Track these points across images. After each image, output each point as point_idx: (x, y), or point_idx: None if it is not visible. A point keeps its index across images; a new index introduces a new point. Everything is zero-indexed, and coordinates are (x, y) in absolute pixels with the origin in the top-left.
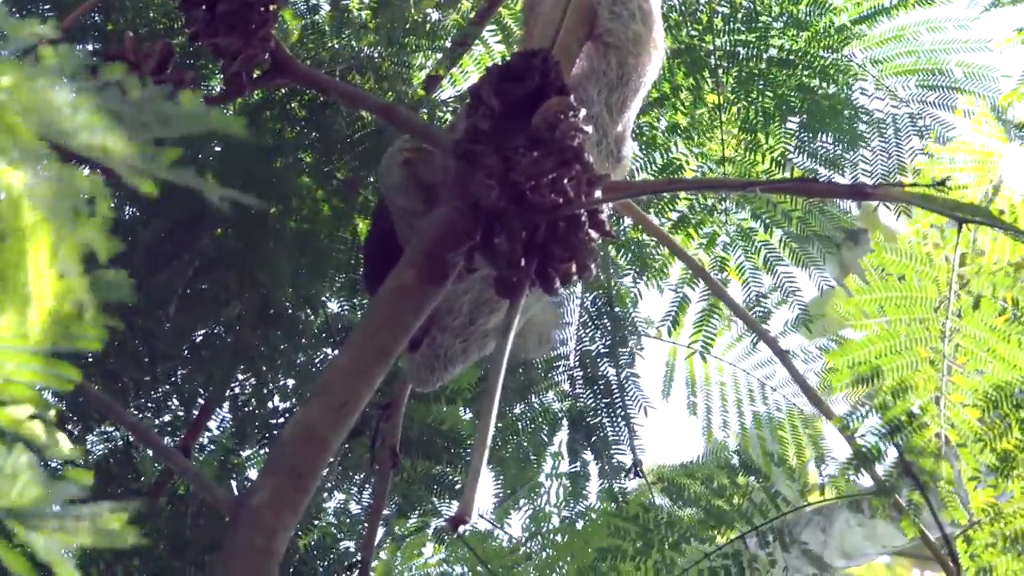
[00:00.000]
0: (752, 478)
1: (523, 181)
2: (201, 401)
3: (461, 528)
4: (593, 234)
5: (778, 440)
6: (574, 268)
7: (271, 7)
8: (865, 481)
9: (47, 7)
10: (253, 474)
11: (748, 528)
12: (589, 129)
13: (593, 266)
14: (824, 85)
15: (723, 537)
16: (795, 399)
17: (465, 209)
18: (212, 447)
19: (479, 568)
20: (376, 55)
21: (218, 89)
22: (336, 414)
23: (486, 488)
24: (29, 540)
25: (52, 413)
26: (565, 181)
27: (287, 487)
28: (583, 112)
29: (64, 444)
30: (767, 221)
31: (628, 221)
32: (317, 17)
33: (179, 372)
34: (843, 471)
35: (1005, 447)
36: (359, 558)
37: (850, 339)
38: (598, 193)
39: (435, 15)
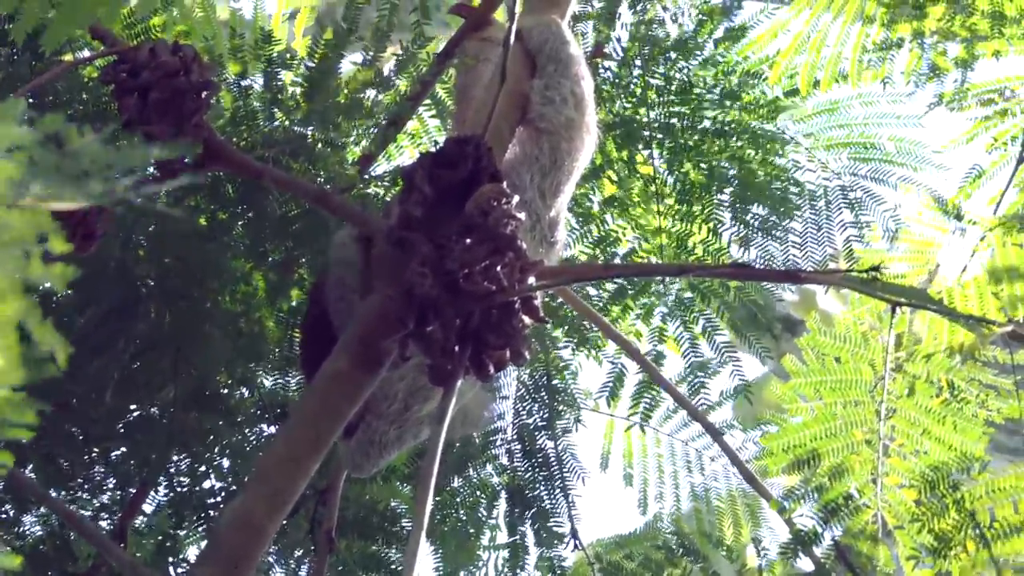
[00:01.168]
0: (690, 559)
1: (456, 269)
2: (137, 482)
3: None
4: (527, 320)
5: (717, 515)
6: (508, 355)
7: (203, 94)
8: (804, 565)
9: None
10: (192, 552)
11: None
12: (522, 216)
13: (527, 352)
14: (757, 155)
15: None
16: (732, 471)
17: (399, 296)
18: (149, 528)
19: None
20: (309, 135)
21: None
22: (272, 502)
23: (426, 564)
24: None
25: None
26: (498, 268)
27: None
28: (516, 199)
29: None
30: (704, 291)
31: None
32: (249, 98)
33: (114, 453)
34: (781, 554)
35: (943, 527)
36: None
37: (785, 422)
38: (531, 280)
39: (370, 94)
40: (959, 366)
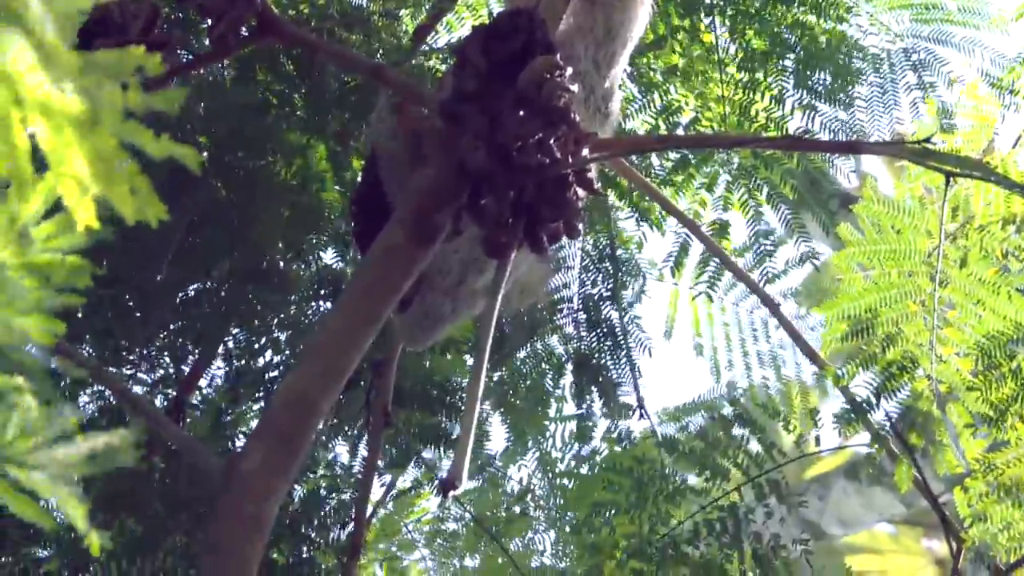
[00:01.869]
0: (747, 429)
1: (510, 141)
2: (194, 357)
3: (451, 493)
4: (581, 192)
5: (786, 384)
6: (562, 227)
7: None
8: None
9: None
10: (251, 425)
11: (744, 480)
12: (575, 88)
13: (580, 225)
14: (820, 21)
15: (718, 490)
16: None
17: (452, 170)
18: (205, 405)
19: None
20: (364, 6)
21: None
22: (325, 377)
23: (495, 433)
24: (33, 482)
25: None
26: (551, 141)
27: (277, 453)
28: (569, 71)
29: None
30: (767, 159)
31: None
32: None
33: (171, 328)
34: (837, 422)
35: (999, 396)
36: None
37: (842, 291)
38: (585, 152)
39: None
40: (1014, 236)
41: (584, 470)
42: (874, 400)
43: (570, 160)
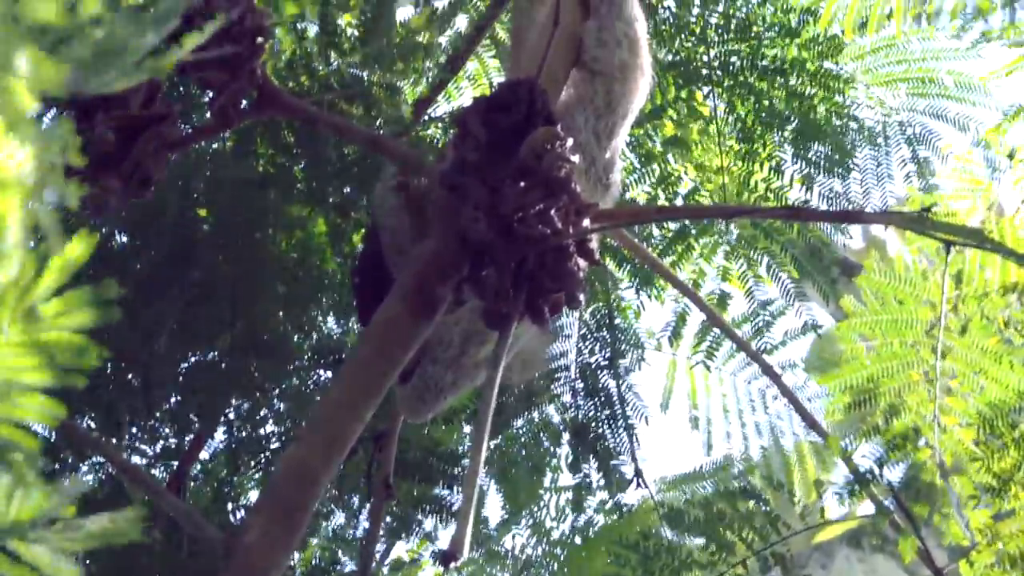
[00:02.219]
0: (752, 502)
1: (511, 212)
2: (194, 429)
3: (452, 564)
4: (582, 263)
5: (780, 456)
6: (563, 298)
7: (258, 40)
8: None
9: None
10: (252, 498)
11: (749, 553)
12: (576, 159)
13: (582, 295)
14: (817, 93)
15: (724, 563)
16: (792, 413)
17: (453, 242)
18: (206, 476)
19: None
20: (365, 78)
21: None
22: (327, 449)
23: (490, 503)
24: (33, 555)
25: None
26: (552, 212)
27: (278, 525)
28: (570, 141)
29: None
30: (767, 229)
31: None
32: (305, 42)
33: (172, 401)
34: (841, 494)
35: (1002, 467)
36: None
37: (844, 362)
38: (586, 223)
39: (426, 36)
40: (1015, 304)
41: (579, 540)
42: (877, 471)
43: (571, 231)
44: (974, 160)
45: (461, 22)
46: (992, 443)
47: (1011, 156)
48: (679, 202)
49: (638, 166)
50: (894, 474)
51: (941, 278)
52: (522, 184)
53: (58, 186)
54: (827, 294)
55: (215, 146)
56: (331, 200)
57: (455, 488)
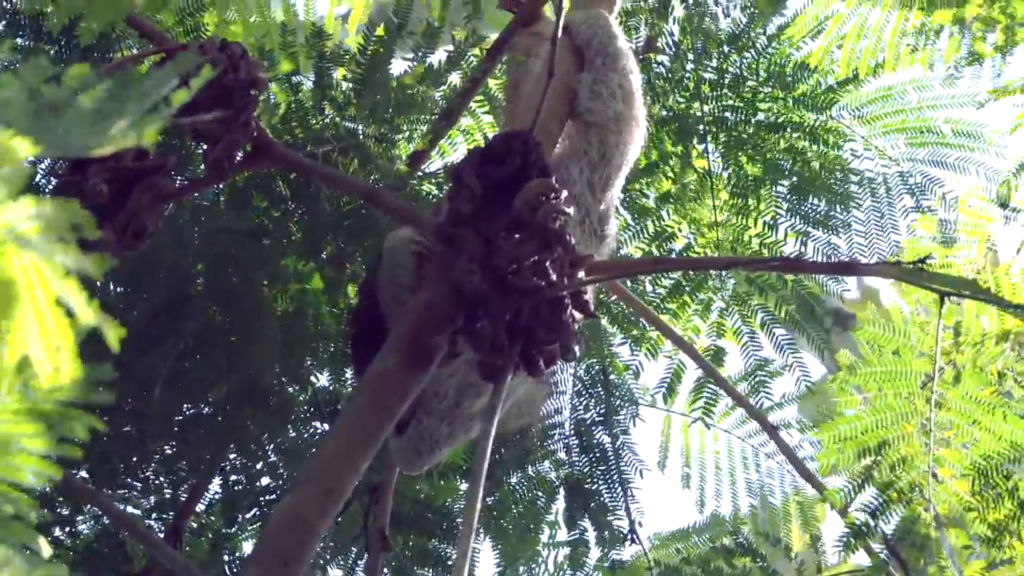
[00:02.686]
0: (748, 558)
1: (505, 264)
2: (190, 481)
3: None
4: (577, 315)
5: (774, 513)
6: (558, 350)
7: (252, 92)
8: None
9: None
10: (249, 547)
11: None
12: (571, 210)
13: (577, 347)
14: (813, 147)
15: None
16: (789, 468)
17: (448, 293)
18: (202, 529)
19: None
20: (360, 132)
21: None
22: (322, 501)
23: (485, 559)
24: None
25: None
26: (547, 263)
27: None
28: (564, 193)
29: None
30: (761, 285)
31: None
32: (300, 95)
33: (168, 453)
34: (837, 547)
35: (996, 517)
36: None
37: (838, 415)
38: (581, 274)
39: (421, 90)
40: (1008, 354)
41: None
42: (872, 523)
43: (566, 282)
44: (972, 209)
45: (455, 77)
46: (987, 494)
47: (1004, 205)
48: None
49: (632, 222)
50: (888, 526)
51: (936, 329)
52: (517, 236)
53: (78, 261)
54: (821, 348)
55: (210, 197)
56: (325, 252)
57: (450, 541)
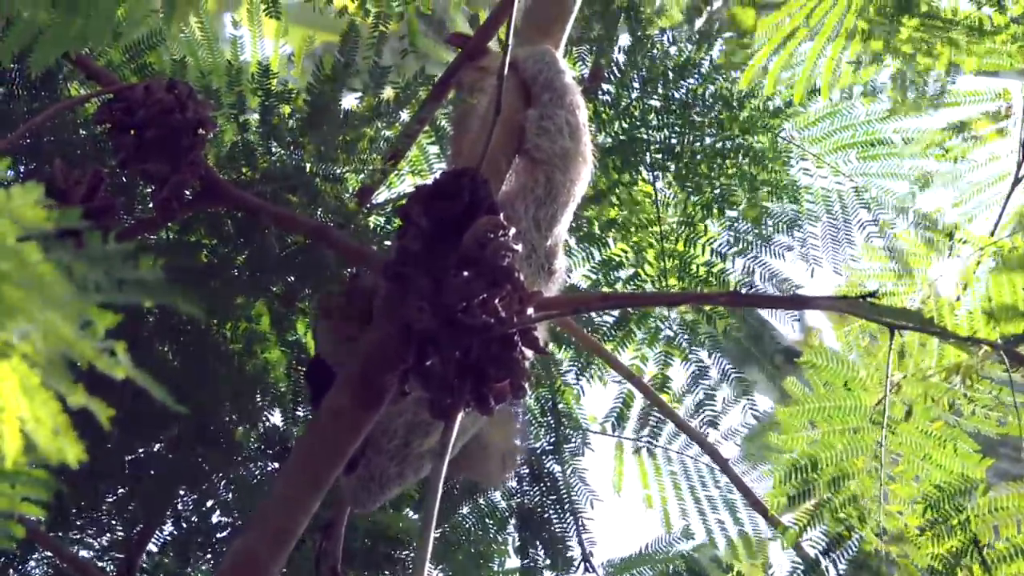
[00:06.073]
0: None
1: (454, 302)
2: (142, 520)
3: None
4: (527, 352)
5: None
6: (509, 387)
7: (199, 131)
8: None
9: None
10: None
11: None
12: (519, 247)
13: (527, 385)
14: (760, 172)
15: None
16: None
17: (397, 332)
18: (155, 568)
19: None
20: (307, 168)
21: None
22: (274, 541)
23: None
24: None
25: None
26: (496, 301)
27: None
28: (512, 230)
29: None
30: (709, 313)
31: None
32: (248, 133)
33: (119, 492)
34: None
35: (946, 549)
36: None
37: (787, 450)
38: (530, 311)
39: (369, 129)
40: (957, 387)
41: None
42: (822, 558)
43: (515, 320)
44: (913, 240)
45: (404, 115)
46: (939, 526)
47: (950, 236)
48: (619, 286)
49: (579, 249)
50: (840, 561)
51: (885, 362)
52: (465, 274)
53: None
54: (772, 375)
55: (158, 237)
56: (274, 290)
57: (404, 573)
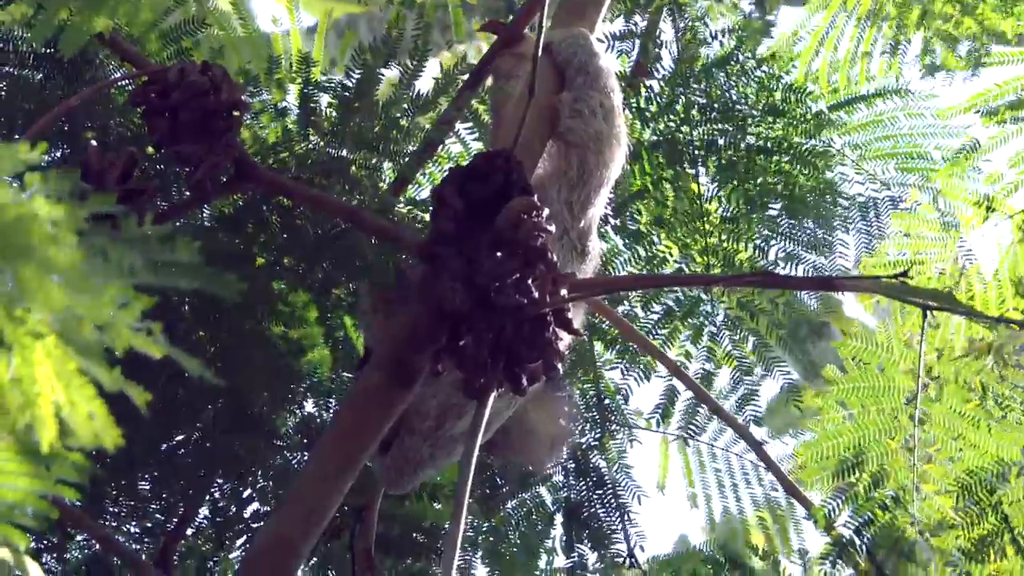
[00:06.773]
0: (738, 573)
1: (488, 282)
2: (180, 506)
3: None
4: (560, 333)
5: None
6: (542, 367)
7: (234, 113)
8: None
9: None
10: None
11: None
12: (552, 228)
13: (560, 365)
14: (804, 170)
15: None
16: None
17: (431, 312)
18: (192, 553)
19: None
20: (344, 156)
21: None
22: (305, 521)
23: None
24: None
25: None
26: (530, 281)
27: None
28: (546, 211)
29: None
30: (753, 310)
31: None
32: (285, 120)
33: (157, 478)
34: (820, 561)
35: (980, 533)
36: None
37: (821, 431)
38: (563, 292)
39: (407, 116)
40: (990, 367)
41: None
42: (856, 540)
43: (548, 300)
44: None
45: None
46: (971, 510)
47: (988, 208)
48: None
49: (624, 248)
50: (874, 543)
51: (919, 342)
52: (499, 254)
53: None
54: (808, 368)
55: (196, 221)
56: (310, 277)
57: (439, 564)
